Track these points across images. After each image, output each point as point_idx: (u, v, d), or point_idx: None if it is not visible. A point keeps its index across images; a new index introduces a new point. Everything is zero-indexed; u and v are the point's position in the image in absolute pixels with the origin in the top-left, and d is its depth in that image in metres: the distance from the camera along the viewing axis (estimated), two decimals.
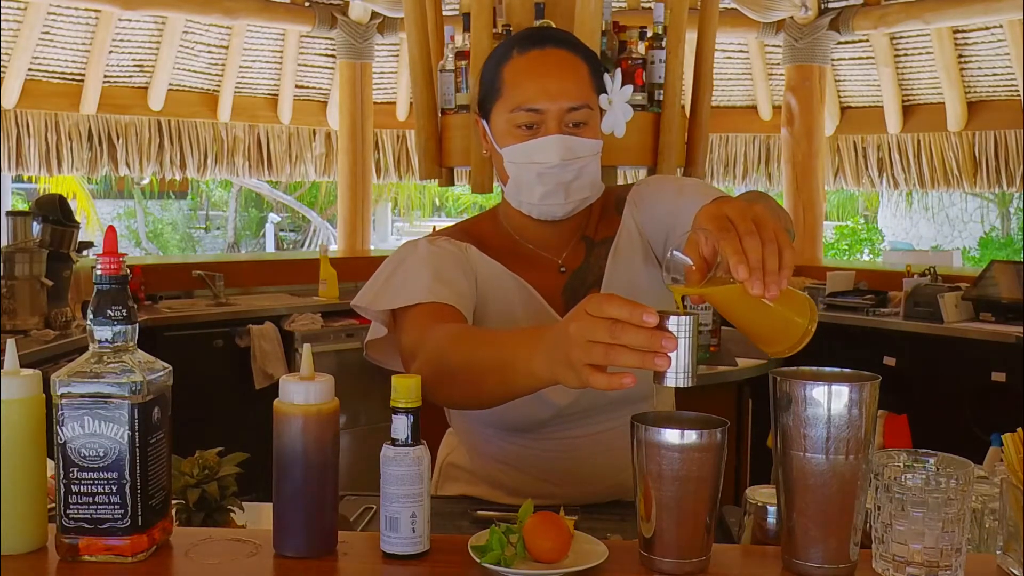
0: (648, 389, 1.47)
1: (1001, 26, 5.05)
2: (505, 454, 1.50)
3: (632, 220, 1.50)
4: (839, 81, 5.81)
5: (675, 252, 1.07)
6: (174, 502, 1.20)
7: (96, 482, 1.00)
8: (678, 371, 0.96)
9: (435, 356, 1.21)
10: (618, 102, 1.44)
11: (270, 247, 15.57)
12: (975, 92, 5.36)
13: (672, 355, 0.94)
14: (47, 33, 4.99)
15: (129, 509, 1.01)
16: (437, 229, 1.69)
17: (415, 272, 1.38)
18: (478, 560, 1.00)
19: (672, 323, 0.94)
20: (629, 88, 1.45)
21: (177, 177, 5.74)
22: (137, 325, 1.04)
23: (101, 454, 1.00)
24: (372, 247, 6.11)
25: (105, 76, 5.22)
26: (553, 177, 1.40)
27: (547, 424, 1.45)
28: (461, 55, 2.73)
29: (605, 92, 1.44)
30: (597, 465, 1.47)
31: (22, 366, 1.06)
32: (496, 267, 1.46)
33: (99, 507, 1.00)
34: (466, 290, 1.40)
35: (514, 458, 1.49)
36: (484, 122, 1.47)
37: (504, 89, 1.41)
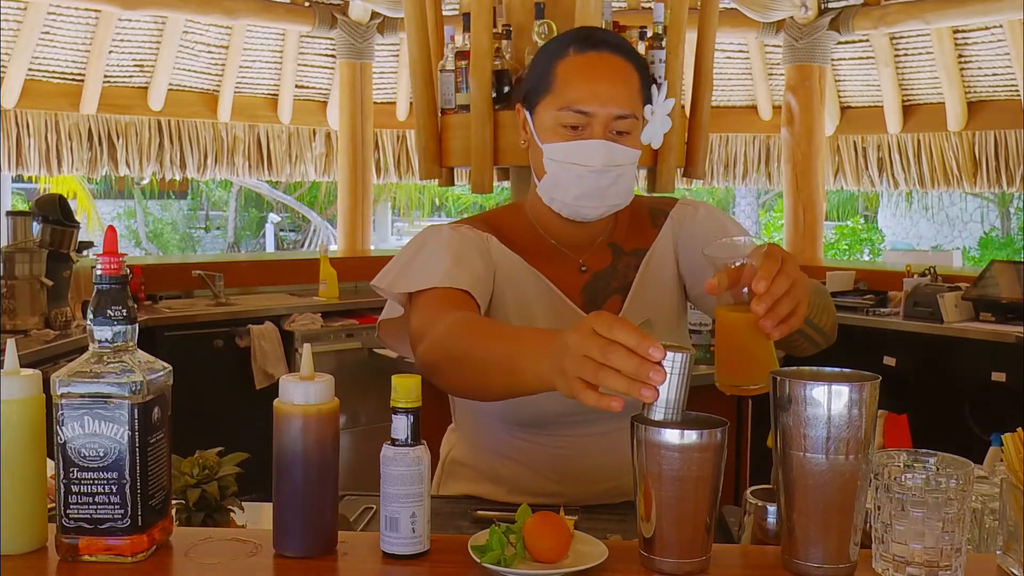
0: None
1: (1001, 26, 5.05)
2: (510, 449, 1.50)
3: (671, 238, 1.53)
4: (839, 81, 5.81)
5: (745, 240, 1.15)
6: (174, 502, 1.20)
7: (96, 482, 1.00)
8: (667, 407, 0.96)
9: (443, 341, 1.23)
10: (660, 113, 1.45)
11: (270, 247, 15.57)
12: (975, 92, 5.36)
13: (662, 389, 0.95)
14: (47, 33, 4.98)
15: (129, 509, 1.01)
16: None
17: (435, 256, 1.40)
18: (478, 560, 1.00)
19: (667, 359, 0.95)
20: (672, 101, 1.46)
21: (177, 177, 5.74)
22: (137, 325, 1.04)
23: (101, 454, 1.00)
24: (372, 247, 6.11)
25: (105, 76, 5.21)
26: (591, 181, 1.41)
27: (556, 420, 1.46)
28: (461, 55, 2.73)
29: (650, 103, 1.45)
30: (601, 465, 1.47)
31: (22, 366, 1.06)
32: (516, 260, 1.47)
33: (99, 507, 1.00)
34: (483, 277, 1.41)
35: (519, 453, 1.50)
36: (527, 113, 1.47)
37: (555, 86, 1.42)
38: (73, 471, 1.00)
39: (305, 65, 5.86)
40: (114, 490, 1.00)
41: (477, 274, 1.39)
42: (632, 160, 1.43)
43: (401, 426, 1.04)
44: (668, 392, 0.96)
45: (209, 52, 5.52)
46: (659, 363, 0.93)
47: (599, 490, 1.48)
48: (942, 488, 0.96)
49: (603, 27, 2.74)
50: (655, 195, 1.65)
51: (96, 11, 5.01)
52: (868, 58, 5.63)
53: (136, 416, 1.00)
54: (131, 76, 5.35)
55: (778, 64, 5.73)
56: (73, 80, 5.17)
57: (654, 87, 1.47)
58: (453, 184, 2.97)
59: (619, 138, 1.41)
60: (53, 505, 1.03)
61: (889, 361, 4.29)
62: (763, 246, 1.13)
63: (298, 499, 1.04)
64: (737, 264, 1.12)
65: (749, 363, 1.09)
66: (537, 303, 1.46)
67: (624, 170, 1.42)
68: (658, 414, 0.97)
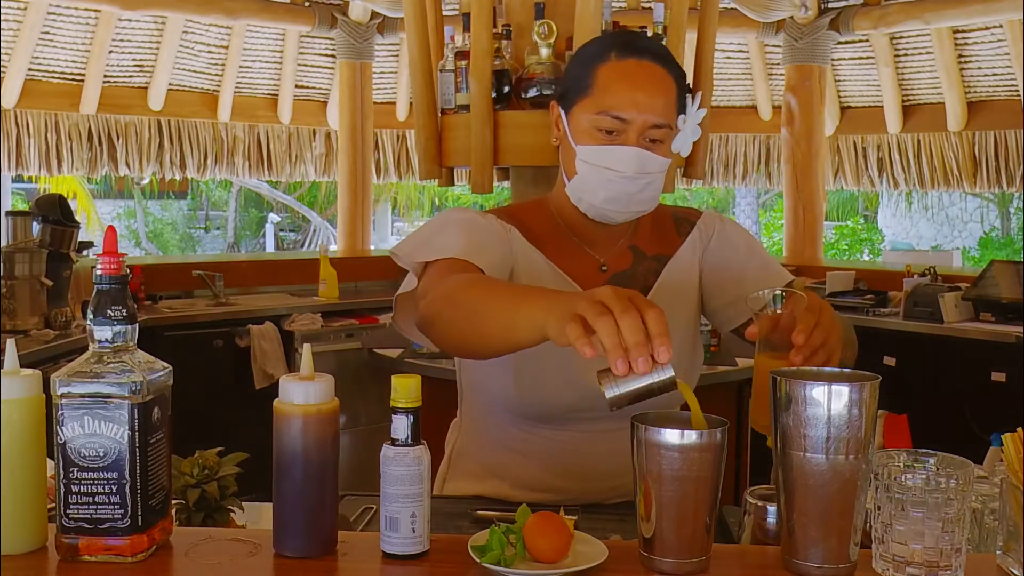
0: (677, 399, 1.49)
1: (1001, 26, 5.05)
2: (515, 441, 1.51)
3: (697, 248, 1.55)
4: (839, 81, 5.81)
5: (783, 290, 1.22)
6: (174, 502, 1.20)
7: (96, 482, 1.00)
8: (618, 395, 1.01)
9: (446, 293, 1.25)
10: (691, 123, 1.46)
11: (270, 247, 15.57)
12: (975, 92, 5.36)
13: (628, 380, 0.99)
14: (47, 33, 4.99)
15: (129, 509, 1.01)
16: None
17: (457, 233, 1.41)
18: (478, 560, 1.00)
19: (658, 368, 0.98)
20: (704, 111, 1.47)
21: (177, 177, 5.75)
22: (137, 325, 1.04)
23: (101, 454, 1.00)
24: (372, 247, 6.11)
25: (105, 76, 5.22)
26: (621, 186, 1.42)
27: (563, 415, 1.47)
28: (461, 55, 2.73)
29: (684, 112, 1.46)
30: (606, 464, 1.48)
31: (22, 366, 1.06)
32: (536, 254, 1.49)
33: (99, 507, 1.00)
34: (499, 265, 1.42)
35: (524, 446, 1.51)
36: (563, 112, 1.47)
37: (594, 89, 1.42)
38: (73, 471, 1.00)
39: (305, 65, 5.86)
40: (114, 490, 1.00)
41: (493, 261, 1.41)
42: (662, 169, 1.44)
43: (401, 426, 1.04)
44: (632, 385, 0.99)
45: (209, 52, 5.53)
46: (653, 358, 0.96)
47: (601, 488, 1.49)
48: (942, 488, 0.96)
49: (603, 27, 2.74)
50: (681, 206, 1.68)
51: (96, 11, 5.01)
52: (868, 58, 5.63)
53: (136, 416, 1.00)
54: (131, 76, 5.35)
55: (778, 64, 5.73)
56: (73, 80, 5.17)
57: (688, 96, 1.48)
58: (453, 184, 2.98)
59: (652, 146, 1.41)
60: (53, 505, 1.03)
61: (889, 361, 4.29)
62: (802, 297, 1.18)
63: (298, 499, 1.04)
64: (777, 312, 1.19)
65: None
66: None
67: (654, 178, 1.43)
68: (609, 390, 1.00)
